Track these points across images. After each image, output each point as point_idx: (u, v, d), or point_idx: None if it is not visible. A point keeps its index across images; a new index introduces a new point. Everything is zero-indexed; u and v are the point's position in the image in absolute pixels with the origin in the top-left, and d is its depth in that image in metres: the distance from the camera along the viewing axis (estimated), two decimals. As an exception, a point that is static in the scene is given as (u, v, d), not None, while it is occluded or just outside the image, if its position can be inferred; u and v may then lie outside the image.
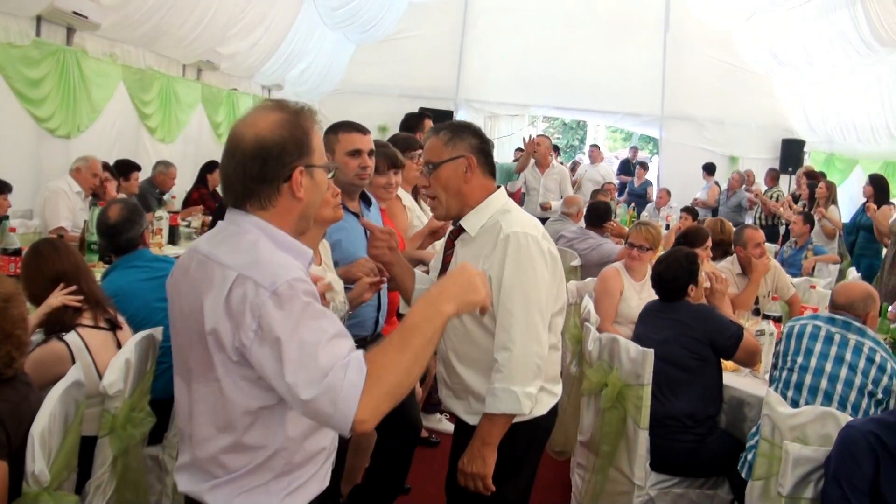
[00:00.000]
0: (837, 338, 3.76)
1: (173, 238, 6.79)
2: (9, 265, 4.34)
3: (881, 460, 2.87)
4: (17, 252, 4.44)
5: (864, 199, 9.58)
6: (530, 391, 2.74)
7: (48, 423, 2.50)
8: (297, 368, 1.78)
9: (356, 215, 3.69)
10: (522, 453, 2.93)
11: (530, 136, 9.40)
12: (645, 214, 12.68)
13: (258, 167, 2.00)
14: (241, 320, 1.84)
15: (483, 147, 2.97)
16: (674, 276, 4.31)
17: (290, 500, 2.06)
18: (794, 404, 3.63)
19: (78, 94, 7.50)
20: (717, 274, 4.74)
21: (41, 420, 2.49)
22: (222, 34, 9.99)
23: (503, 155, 14.49)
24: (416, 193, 5.04)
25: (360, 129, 3.69)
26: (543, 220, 6.37)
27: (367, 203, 3.87)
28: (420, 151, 4.77)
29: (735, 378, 4.35)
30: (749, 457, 3.66)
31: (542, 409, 2.89)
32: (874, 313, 3.97)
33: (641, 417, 3.91)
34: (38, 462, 2.43)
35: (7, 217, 5.34)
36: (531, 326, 2.75)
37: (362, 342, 3.62)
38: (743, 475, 3.68)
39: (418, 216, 4.85)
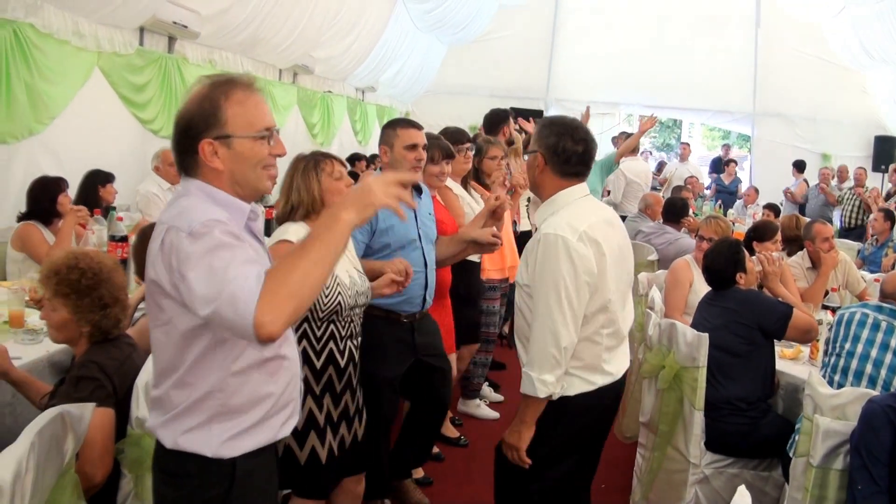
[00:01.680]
0: (884, 325, 3.88)
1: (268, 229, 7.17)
2: (116, 250, 4.73)
3: None
4: (124, 239, 4.86)
5: None
6: (545, 378, 2.98)
7: (148, 378, 2.83)
8: (206, 286, 1.88)
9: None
10: (548, 430, 3.13)
11: (642, 117, 9.45)
12: (732, 212, 12.67)
13: (176, 139, 2.15)
14: (170, 264, 1.98)
15: (558, 146, 3.14)
16: (719, 266, 4.48)
17: (232, 444, 2.16)
18: (841, 388, 3.77)
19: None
20: (768, 257, 4.89)
21: (144, 374, 2.84)
22: (316, 39, 10.42)
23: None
24: (465, 183, 5.37)
25: (416, 126, 4.05)
26: (624, 218, 6.59)
27: (419, 191, 4.15)
28: (469, 145, 5.26)
29: (791, 365, 4.49)
30: (796, 437, 3.82)
31: (570, 391, 3.10)
32: (923, 302, 4.08)
33: (697, 399, 4.10)
34: (141, 408, 2.79)
35: (114, 207, 5.80)
36: (549, 322, 2.97)
37: (411, 317, 4.07)
38: (791, 455, 3.84)
39: (468, 203, 5.16)
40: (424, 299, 4.09)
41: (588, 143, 3.19)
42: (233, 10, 8.24)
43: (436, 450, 5.14)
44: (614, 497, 3.58)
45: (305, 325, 3.30)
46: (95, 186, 5.95)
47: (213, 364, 2.11)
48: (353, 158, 11.11)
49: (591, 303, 3.05)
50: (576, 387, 3.11)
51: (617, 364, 3.23)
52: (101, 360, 2.87)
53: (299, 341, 3.22)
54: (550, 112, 15.73)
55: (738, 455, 4.25)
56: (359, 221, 1.96)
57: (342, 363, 3.38)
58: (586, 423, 3.24)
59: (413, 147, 3.97)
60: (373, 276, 3.50)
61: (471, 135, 5.97)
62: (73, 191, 5.68)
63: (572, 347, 3.02)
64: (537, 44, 16.11)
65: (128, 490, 2.86)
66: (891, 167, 12.63)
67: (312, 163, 3.36)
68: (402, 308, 4.01)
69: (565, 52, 16.24)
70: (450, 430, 5.57)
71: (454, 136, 5.17)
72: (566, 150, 3.15)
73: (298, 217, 3.35)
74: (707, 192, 14.43)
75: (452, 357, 4.84)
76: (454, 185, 5.14)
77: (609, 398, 3.25)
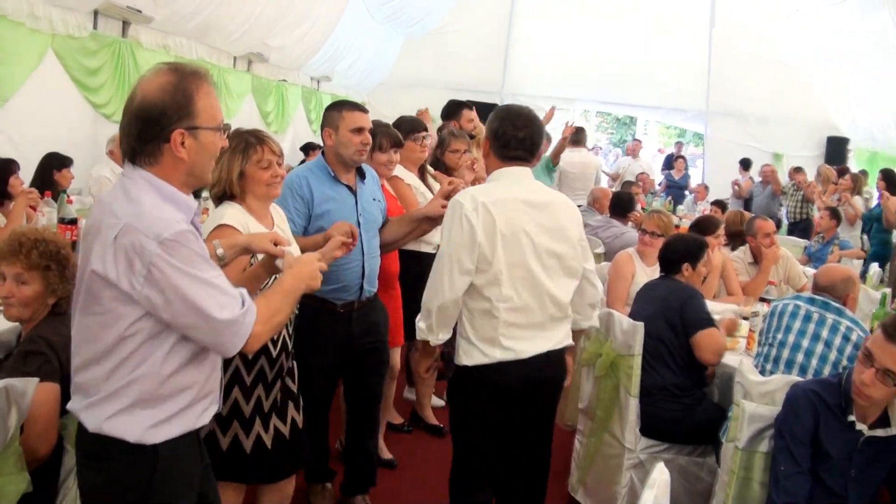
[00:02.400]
0: (816, 316, 4.03)
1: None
2: (65, 232, 4.75)
3: (820, 415, 3.18)
4: (74, 221, 4.90)
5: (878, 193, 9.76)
6: (421, 325, 3.46)
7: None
8: (191, 309, 2.10)
9: (349, 188, 4.03)
10: (453, 395, 3.61)
11: (567, 123, 9.57)
12: (682, 208, 12.88)
13: (139, 127, 2.14)
14: (132, 265, 2.05)
15: (499, 131, 3.39)
16: (675, 248, 4.65)
17: (156, 431, 2.21)
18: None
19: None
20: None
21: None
22: (270, 28, 10.41)
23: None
24: (422, 173, 5.37)
25: (362, 109, 4.03)
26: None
27: (362, 175, 4.14)
28: (424, 134, 5.19)
29: (728, 355, 4.59)
30: (727, 423, 3.95)
31: (468, 361, 3.40)
32: (853, 295, 4.23)
33: (632, 385, 4.24)
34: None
35: (65, 190, 5.80)
36: (436, 277, 3.36)
37: (349, 306, 4.04)
38: (723, 440, 3.97)
39: (422, 193, 5.15)
40: (362, 288, 4.05)
41: (531, 130, 3.38)
42: (186, -4, 8.22)
43: (388, 455, 5.09)
44: (552, 481, 3.67)
45: None
46: (51, 170, 5.96)
47: (146, 355, 2.17)
48: (308, 148, 11.10)
49: (480, 274, 3.30)
50: (474, 357, 3.37)
51: (522, 343, 3.37)
52: (48, 335, 2.90)
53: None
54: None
55: (672, 441, 4.37)
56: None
57: (274, 353, 3.31)
58: (487, 397, 3.42)
59: (359, 130, 3.92)
60: (315, 247, 3.29)
61: (436, 127, 6.01)
62: (27, 174, 5.69)
63: (452, 305, 3.34)
64: (493, 38, 16.10)
65: (70, 465, 2.88)
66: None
67: (242, 146, 3.29)
68: (337, 296, 3.98)
69: (521, 48, 16.25)
70: (394, 416, 5.57)
71: (410, 124, 5.18)
72: (506, 135, 3.37)
73: (215, 194, 3.34)
74: (658, 188, 14.63)
75: (396, 350, 4.89)
76: (407, 175, 5.13)
77: (514, 379, 3.38)
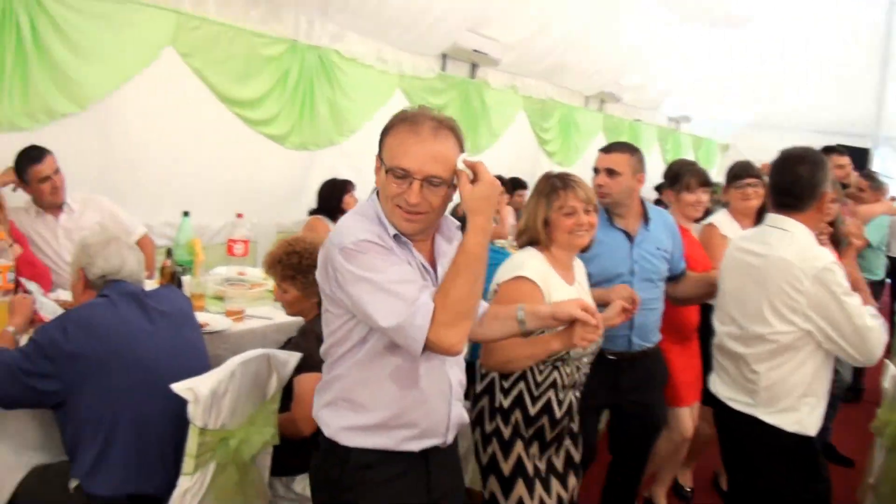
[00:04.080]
0: None
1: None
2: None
3: None
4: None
5: None
6: None
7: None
8: (365, 315, 2.12)
9: (626, 233, 3.72)
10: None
11: None
12: None
13: None
14: (327, 271, 2.21)
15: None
16: None
17: (349, 435, 2.28)
18: None
19: (479, 120, 8.68)
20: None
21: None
22: (623, 67, 10.67)
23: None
24: None
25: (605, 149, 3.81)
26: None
27: (646, 220, 3.79)
28: (750, 181, 4.43)
29: None
30: None
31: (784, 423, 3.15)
32: None
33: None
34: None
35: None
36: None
37: (619, 355, 3.72)
38: None
39: None
40: (630, 341, 3.72)
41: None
42: (536, 39, 8.68)
43: None
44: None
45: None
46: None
47: (349, 355, 2.29)
48: (660, 187, 11.12)
49: None
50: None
51: None
52: (318, 329, 3.33)
53: (516, 382, 3.04)
54: (879, 152, 14.60)
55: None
56: (487, 224, 2.15)
57: (558, 414, 3.07)
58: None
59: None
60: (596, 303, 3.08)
61: None
62: (363, 195, 6.44)
63: None
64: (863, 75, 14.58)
65: None
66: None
67: (547, 190, 3.11)
68: (604, 345, 3.52)
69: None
70: (684, 477, 5.00)
71: (738, 168, 4.55)
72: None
73: (523, 241, 3.17)
74: None
75: (684, 411, 4.30)
76: (727, 223, 4.41)
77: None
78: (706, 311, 4.05)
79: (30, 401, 2.83)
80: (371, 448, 2.27)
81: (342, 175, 6.35)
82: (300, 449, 3.17)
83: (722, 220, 4.45)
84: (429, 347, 2.07)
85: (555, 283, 3.00)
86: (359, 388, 2.27)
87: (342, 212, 5.88)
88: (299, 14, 6.23)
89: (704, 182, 4.33)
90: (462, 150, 2.22)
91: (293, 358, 3.16)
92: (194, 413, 2.62)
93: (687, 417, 4.31)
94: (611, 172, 3.67)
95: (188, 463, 2.67)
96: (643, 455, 4.01)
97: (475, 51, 7.97)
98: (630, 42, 10.24)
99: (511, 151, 9.52)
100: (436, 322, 2.06)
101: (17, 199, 4.59)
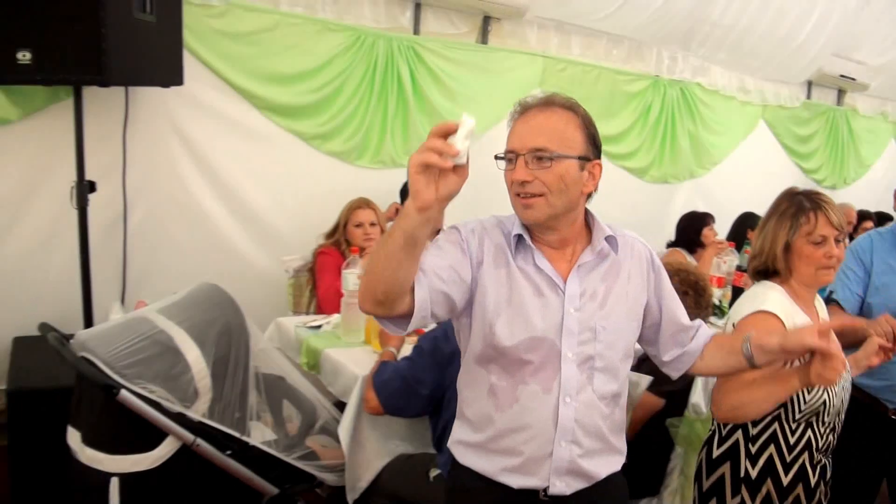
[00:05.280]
0: None
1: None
2: (741, 280, 5.22)
3: None
4: (742, 269, 5.36)
5: None
6: None
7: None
8: None
9: None
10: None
11: None
12: None
13: None
14: None
15: None
16: None
17: (460, 449, 2.16)
18: None
19: (846, 150, 8.32)
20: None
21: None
22: None
23: None
24: None
25: None
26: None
27: None
28: None
29: None
30: None
31: None
32: None
33: None
34: (695, 395, 3.38)
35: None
36: None
37: None
38: None
39: None
40: None
41: None
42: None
43: None
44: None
45: (776, 425, 2.46)
46: (745, 227, 6.57)
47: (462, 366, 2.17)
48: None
49: None
50: None
51: None
52: None
53: (766, 444, 2.47)
54: None
55: None
56: (418, 203, 1.65)
57: (813, 481, 2.49)
58: None
59: None
60: (846, 338, 2.56)
61: None
62: (723, 228, 6.39)
63: None
64: None
65: (675, 462, 3.34)
66: None
67: (793, 210, 2.53)
68: (886, 397, 3.12)
69: None
70: None
71: None
72: None
73: (755, 268, 2.62)
74: None
75: None
76: None
77: None
78: None
79: (420, 409, 2.97)
80: (472, 468, 2.09)
81: (699, 209, 6.32)
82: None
83: None
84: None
85: (800, 322, 2.42)
86: (466, 401, 2.14)
87: (701, 245, 5.86)
88: (661, 50, 6.37)
89: None
90: (587, 128, 1.97)
91: (643, 380, 3.19)
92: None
93: None
94: None
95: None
96: None
97: (842, 76, 7.65)
98: None
99: (880, 183, 8.97)
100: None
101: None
